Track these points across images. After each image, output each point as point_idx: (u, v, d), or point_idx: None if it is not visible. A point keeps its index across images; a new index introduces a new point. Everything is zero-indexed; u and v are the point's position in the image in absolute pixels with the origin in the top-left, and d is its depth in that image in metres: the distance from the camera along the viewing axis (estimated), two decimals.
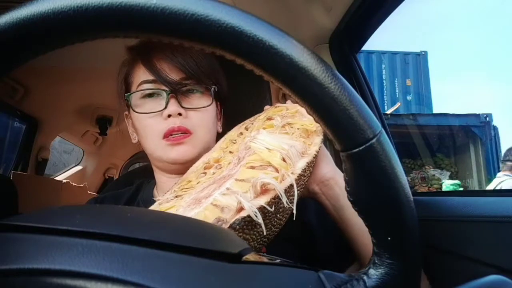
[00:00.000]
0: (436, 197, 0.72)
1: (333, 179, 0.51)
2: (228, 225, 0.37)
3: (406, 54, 6.79)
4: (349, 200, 0.26)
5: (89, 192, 2.00)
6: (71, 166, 2.39)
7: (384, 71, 6.60)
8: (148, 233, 0.22)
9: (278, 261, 0.26)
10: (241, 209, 0.38)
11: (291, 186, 0.40)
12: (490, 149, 5.43)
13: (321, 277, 0.23)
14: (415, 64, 6.73)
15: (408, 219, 0.24)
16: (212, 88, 0.62)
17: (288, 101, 0.59)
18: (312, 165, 0.48)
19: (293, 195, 0.40)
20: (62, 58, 1.29)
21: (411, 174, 5.66)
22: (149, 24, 0.21)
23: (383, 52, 6.64)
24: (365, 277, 0.25)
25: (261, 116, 0.57)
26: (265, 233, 0.38)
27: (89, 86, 1.59)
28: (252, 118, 0.61)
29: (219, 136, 0.66)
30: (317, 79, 0.22)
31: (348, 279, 0.24)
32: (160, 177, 0.66)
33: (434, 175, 5.71)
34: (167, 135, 0.59)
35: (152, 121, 0.60)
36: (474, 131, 5.56)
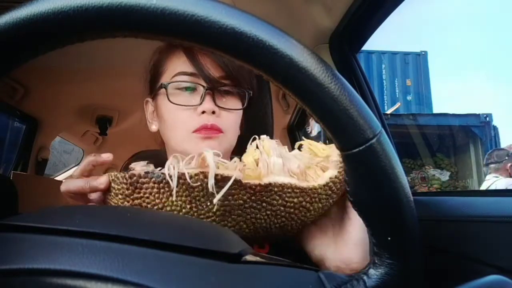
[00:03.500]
0: (436, 197, 0.72)
1: None
2: (147, 171, 0.38)
3: (406, 54, 6.78)
4: (349, 200, 0.26)
5: None
6: (71, 166, 2.39)
7: (384, 71, 6.60)
8: (148, 233, 0.22)
9: (278, 261, 0.26)
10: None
11: (228, 178, 0.36)
12: (490, 149, 5.43)
13: (321, 277, 0.23)
14: (415, 64, 6.73)
15: (408, 219, 0.24)
16: (247, 93, 0.62)
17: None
18: (298, 200, 0.39)
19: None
20: (62, 58, 1.29)
21: (411, 174, 5.65)
22: (149, 25, 0.21)
23: (383, 52, 6.63)
24: (365, 277, 0.25)
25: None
26: (174, 199, 0.37)
27: (89, 86, 1.59)
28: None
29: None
30: (317, 79, 0.22)
31: (348, 279, 0.24)
32: None
33: (434, 175, 5.71)
34: (199, 130, 0.58)
35: (185, 114, 0.59)
36: (474, 131, 5.56)
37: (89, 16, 0.21)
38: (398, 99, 6.45)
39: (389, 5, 0.87)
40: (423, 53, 6.82)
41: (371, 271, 0.25)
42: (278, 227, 0.41)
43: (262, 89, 0.85)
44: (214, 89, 0.59)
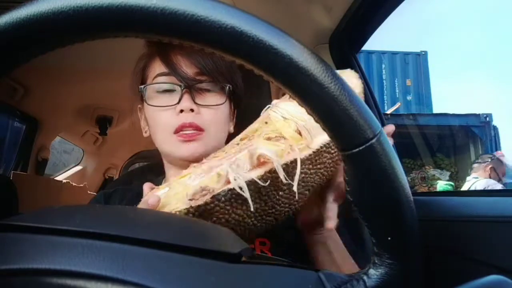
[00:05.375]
0: (436, 197, 0.72)
1: None
2: (212, 195, 0.36)
3: (406, 54, 6.78)
4: (349, 200, 0.26)
5: (89, 192, 2.00)
6: (71, 166, 2.39)
7: (384, 71, 6.60)
8: (148, 233, 0.22)
9: (278, 261, 0.26)
10: (229, 180, 0.36)
11: (294, 161, 0.37)
12: (490, 149, 5.43)
13: (321, 277, 0.23)
14: (415, 64, 6.73)
15: (408, 219, 0.24)
16: (227, 87, 0.62)
17: None
18: None
19: (299, 169, 0.37)
20: (62, 58, 1.29)
21: (411, 174, 5.65)
22: (149, 25, 0.21)
23: (383, 52, 6.63)
24: (365, 277, 0.25)
25: None
26: (252, 209, 0.36)
27: (89, 86, 1.59)
28: None
29: (230, 137, 0.66)
30: (317, 79, 0.22)
31: (348, 279, 0.24)
32: (169, 170, 0.67)
33: (434, 175, 5.71)
34: (179, 130, 0.59)
35: (164, 115, 0.60)
36: (474, 131, 5.57)
37: (89, 17, 0.21)
38: (398, 99, 6.45)
39: (389, 5, 0.87)
40: (423, 53, 6.82)
41: (371, 271, 0.25)
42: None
43: (262, 90, 0.85)
44: (190, 87, 0.59)
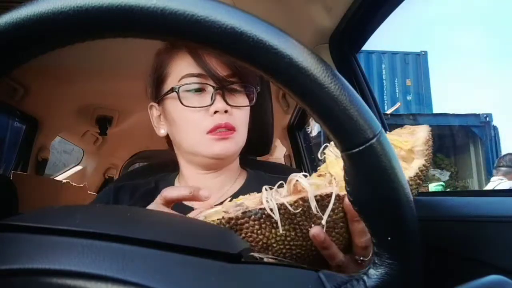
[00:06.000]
0: (436, 197, 0.72)
1: None
2: (243, 211, 0.38)
3: (406, 54, 6.80)
4: (349, 200, 0.26)
5: (89, 192, 2.00)
6: (71, 166, 2.39)
7: (384, 71, 6.61)
8: (148, 233, 0.22)
9: (278, 261, 0.26)
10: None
11: (329, 194, 0.38)
12: (490, 149, 5.44)
13: (321, 277, 0.23)
14: (415, 64, 6.74)
15: (408, 219, 0.24)
16: (255, 89, 0.63)
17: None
18: None
19: (330, 204, 0.38)
20: (62, 58, 1.29)
21: None
22: (149, 25, 0.21)
23: (383, 52, 6.65)
24: (365, 277, 0.25)
25: None
26: (280, 232, 0.37)
27: (89, 86, 1.59)
28: None
29: None
30: (317, 79, 0.22)
31: (348, 279, 0.24)
32: (189, 171, 0.66)
33: (434, 175, 5.72)
34: (213, 130, 0.59)
35: (197, 115, 0.60)
36: (474, 131, 5.58)
37: (89, 17, 0.21)
38: (398, 99, 6.46)
39: (389, 5, 0.87)
40: (423, 53, 6.83)
41: (371, 271, 0.25)
42: None
43: (262, 89, 0.85)
44: (223, 88, 0.60)
